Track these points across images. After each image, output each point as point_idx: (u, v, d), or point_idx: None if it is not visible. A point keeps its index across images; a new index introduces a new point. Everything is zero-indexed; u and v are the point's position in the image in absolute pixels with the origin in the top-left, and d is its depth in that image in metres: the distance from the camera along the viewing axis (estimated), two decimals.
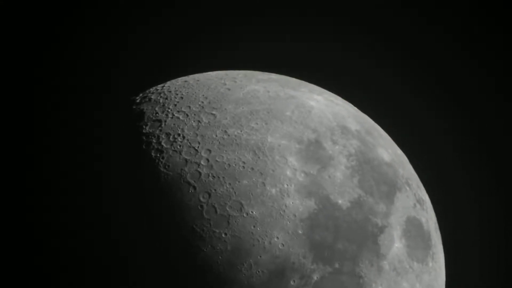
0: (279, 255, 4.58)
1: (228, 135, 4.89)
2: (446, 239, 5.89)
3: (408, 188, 5.32)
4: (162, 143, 4.93)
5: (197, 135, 4.92)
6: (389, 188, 5.13)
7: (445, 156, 8.79)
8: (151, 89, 5.68)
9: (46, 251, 4.98)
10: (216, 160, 4.78)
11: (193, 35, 8.81)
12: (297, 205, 4.69)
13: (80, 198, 4.94)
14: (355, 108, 5.81)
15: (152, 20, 8.75)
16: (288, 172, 4.78)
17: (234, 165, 4.75)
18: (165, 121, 5.08)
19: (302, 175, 4.80)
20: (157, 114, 5.18)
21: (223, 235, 4.58)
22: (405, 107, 8.81)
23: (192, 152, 4.83)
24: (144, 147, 4.96)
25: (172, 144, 4.90)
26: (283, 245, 4.60)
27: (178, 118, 5.07)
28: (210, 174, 4.73)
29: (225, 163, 4.76)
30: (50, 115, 8.21)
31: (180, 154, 4.84)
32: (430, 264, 5.27)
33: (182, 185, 4.72)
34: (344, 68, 8.72)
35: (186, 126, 4.99)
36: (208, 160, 4.78)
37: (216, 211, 4.63)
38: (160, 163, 4.83)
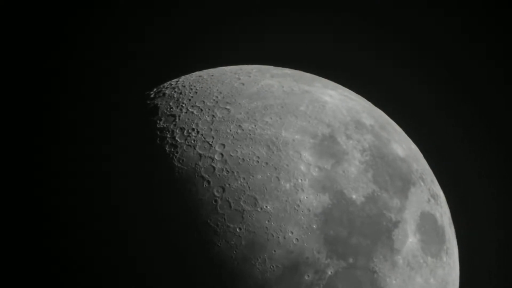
0: (293, 250, 4.59)
1: (242, 130, 4.90)
2: (460, 233, 5.87)
3: (422, 183, 5.30)
4: (176, 138, 4.94)
5: (211, 129, 4.92)
6: (403, 183, 5.12)
7: (459, 151, 8.77)
8: (165, 84, 5.69)
9: (54, 248, 5.02)
10: (230, 155, 4.78)
11: (207, 30, 8.82)
12: (311, 200, 4.69)
13: (94, 193, 4.97)
14: (369, 103, 5.79)
15: (167, 14, 8.77)
16: (302, 167, 4.78)
17: (248, 160, 4.76)
18: (179, 116, 5.10)
19: (316, 170, 4.80)
20: (171, 109, 5.19)
21: (237, 230, 4.59)
22: (419, 102, 8.79)
23: (206, 146, 4.84)
24: (158, 141, 4.98)
25: (186, 139, 4.91)
26: (297, 240, 4.60)
27: (192, 112, 5.08)
28: (224, 169, 4.74)
29: (239, 158, 4.77)
30: (62, 112, 8.25)
31: (194, 148, 4.85)
32: (444, 259, 5.26)
33: (196, 180, 4.73)
34: (358, 63, 8.71)
35: (200, 121, 5.00)
36: (222, 154, 4.79)
37: (230, 206, 4.64)
38: (174, 157, 4.85)
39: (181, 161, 4.81)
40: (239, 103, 5.09)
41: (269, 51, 8.50)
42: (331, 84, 5.74)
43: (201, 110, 5.08)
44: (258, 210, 4.62)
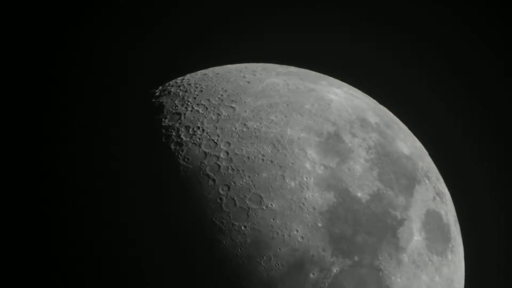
0: (299, 248, 4.59)
1: (248, 128, 4.90)
2: (466, 232, 5.87)
3: (427, 181, 5.30)
4: (182, 136, 4.95)
5: (216, 128, 4.93)
6: (409, 181, 5.12)
7: (465, 149, 8.75)
8: (170, 82, 5.70)
9: (58, 243, 5.03)
10: (236, 153, 4.79)
11: (213, 28, 8.82)
12: (317, 198, 4.69)
13: (99, 191, 4.98)
14: (374, 101, 5.79)
15: (172, 12, 8.77)
16: (308, 165, 4.78)
17: (253, 158, 4.76)
18: (185, 114, 5.10)
19: (322, 168, 4.80)
20: (176, 107, 5.20)
21: (242, 228, 4.60)
22: (425, 99, 8.78)
23: (211, 145, 4.85)
24: (163, 140, 4.98)
25: (191, 137, 4.92)
26: (302, 238, 4.61)
27: (197, 111, 5.09)
28: (230, 167, 4.74)
29: (245, 156, 4.77)
30: (67, 110, 8.27)
31: (200, 147, 4.86)
32: (450, 257, 5.25)
33: (201, 178, 4.74)
34: (363, 61, 8.70)
35: (206, 119, 5.00)
36: (227, 153, 4.79)
37: (235, 204, 4.64)
38: (179, 155, 4.85)
39: (186, 159, 4.82)
40: (244, 101, 5.10)
41: (274, 50, 8.50)
42: (337, 82, 5.74)
43: (207, 108, 5.09)
44: (263, 208, 4.62)
